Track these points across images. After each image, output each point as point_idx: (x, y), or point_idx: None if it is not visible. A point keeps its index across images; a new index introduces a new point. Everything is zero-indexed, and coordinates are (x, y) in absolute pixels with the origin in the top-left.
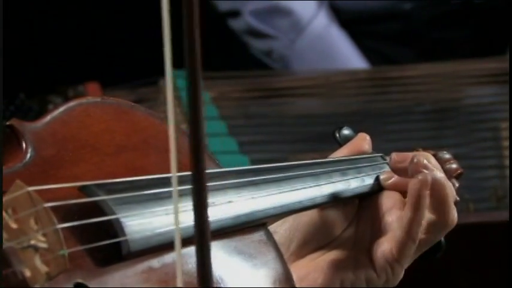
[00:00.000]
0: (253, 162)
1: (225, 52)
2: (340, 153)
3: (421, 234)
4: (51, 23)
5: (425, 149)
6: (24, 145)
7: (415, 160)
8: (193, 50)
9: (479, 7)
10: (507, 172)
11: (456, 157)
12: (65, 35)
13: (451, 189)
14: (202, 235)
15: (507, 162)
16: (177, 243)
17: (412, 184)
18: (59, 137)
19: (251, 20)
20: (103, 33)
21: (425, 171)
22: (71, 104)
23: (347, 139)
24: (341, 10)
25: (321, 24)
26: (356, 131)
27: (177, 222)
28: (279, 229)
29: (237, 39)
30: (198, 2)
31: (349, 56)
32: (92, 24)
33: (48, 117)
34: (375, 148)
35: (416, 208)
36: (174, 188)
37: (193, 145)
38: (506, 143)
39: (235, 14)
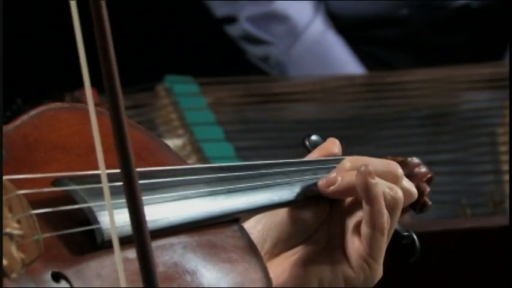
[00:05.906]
0: None
1: (222, 58)
2: (311, 157)
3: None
4: (48, 29)
5: (394, 157)
6: None
7: (361, 169)
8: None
9: (476, 13)
10: (504, 177)
11: (453, 162)
12: (62, 40)
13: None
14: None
15: (504, 167)
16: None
17: (357, 179)
18: (30, 140)
19: (248, 26)
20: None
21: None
22: (41, 109)
23: (316, 145)
24: (337, 16)
25: (317, 30)
26: (353, 136)
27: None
28: (253, 229)
29: (234, 45)
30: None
31: (346, 62)
32: (88, 30)
33: (18, 121)
34: (371, 153)
35: (371, 199)
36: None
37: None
38: (503, 148)
39: (231, 20)
